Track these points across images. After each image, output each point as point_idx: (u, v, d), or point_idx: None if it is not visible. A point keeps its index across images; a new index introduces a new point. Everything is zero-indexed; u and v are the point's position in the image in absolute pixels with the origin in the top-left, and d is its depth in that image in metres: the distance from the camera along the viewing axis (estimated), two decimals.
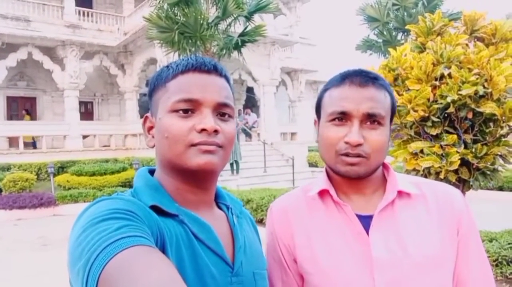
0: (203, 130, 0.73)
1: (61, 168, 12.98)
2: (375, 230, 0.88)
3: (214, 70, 0.78)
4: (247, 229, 0.89)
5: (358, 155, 0.87)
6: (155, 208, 0.72)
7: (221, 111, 0.77)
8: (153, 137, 0.80)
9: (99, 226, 0.61)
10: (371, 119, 0.88)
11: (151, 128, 0.81)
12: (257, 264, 0.84)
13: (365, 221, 0.90)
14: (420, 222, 0.89)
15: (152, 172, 0.83)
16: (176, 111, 0.74)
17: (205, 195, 0.81)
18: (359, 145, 0.86)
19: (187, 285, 0.65)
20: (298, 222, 0.96)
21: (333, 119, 0.90)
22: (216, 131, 0.74)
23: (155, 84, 0.80)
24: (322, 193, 0.96)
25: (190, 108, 0.74)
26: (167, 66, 0.80)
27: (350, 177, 0.90)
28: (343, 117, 0.89)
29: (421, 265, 0.85)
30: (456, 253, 0.89)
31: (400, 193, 0.91)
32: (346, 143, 0.87)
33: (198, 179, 0.77)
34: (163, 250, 0.66)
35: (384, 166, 0.98)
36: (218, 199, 0.87)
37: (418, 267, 0.85)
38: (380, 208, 0.89)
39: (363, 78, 0.90)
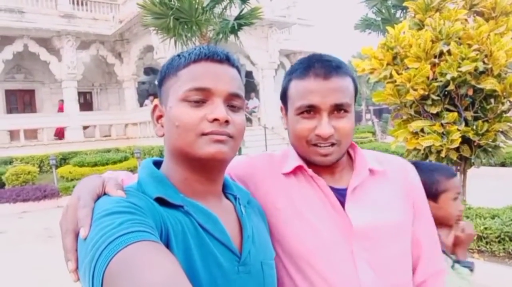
0: (215, 120, 0.73)
1: (63, 159, 13.02)
2: (350, 203, 0.94)
3: (226, 60, 0.79)
4: (255, 219, 0.89)
5: (330, 144, 0.92)
6: (160, 200, 0.72)
7: (232, 101, 0.77)
8: (162, 126, 0.80)
9: (103, 221, 0.61)
10: (338, 109, 0.92)
11: (160, 117, 0.81)
12: (265, 254, 0.85)
13: (338, 193, 0.96)
14: (385, 194, 0.98)
15: (157, 163, 0.84)
16: (188, 100, 0.74)
17: (213, 186, 0.81)
18: (330, 135, 0.91)
19: (195, 273, 0.67)
20: (277, 185, 1.00)
21: (302, 112, 0.94)
22: (227, 122, 0.74)
23: (165, 73, 0.80)
24: (295, 170, 1.00)
25: (201, 97, 0.75)
26: (179, 55, 0.80)
27: (324, 165, 0.95)
28: (311, 109, 0.92)
29: (390, 233, 0.95)
30: (413, 219, 1.01)
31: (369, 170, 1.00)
32: (317, 135, 0.92)
33: (208, 168, 0.77)
34: (167, 242, 0.67)
35: (350, 144, 1.03)
36: (226, 190, 0.87)
37: (389, 234, 0.94)
38: (355, 185, 0.96)
39: (326, 69, 0.92)
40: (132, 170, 11.97)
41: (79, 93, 15.92)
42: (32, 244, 6.47)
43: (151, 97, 17.54)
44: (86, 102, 18.05)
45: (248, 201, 0.91)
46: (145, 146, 13.76)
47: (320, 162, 0.94)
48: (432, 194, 1.40)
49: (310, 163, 0.98)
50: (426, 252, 1.03)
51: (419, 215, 1.02)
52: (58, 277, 4.64)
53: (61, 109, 16.17)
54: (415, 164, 1.46)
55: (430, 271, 1.03)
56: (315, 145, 0.93)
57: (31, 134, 14.89)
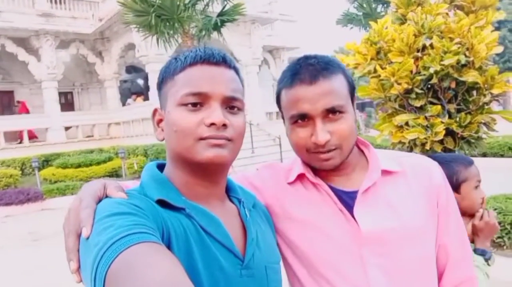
0: (212, 124, 0.73)
1: (46, 161, 12.79)
2: (360, 207, 0.90)
3: (223, 62, 0.78)
4: (261, 222, 0.89)
5: (329, 150, 0.88)
6: (162, 202, 0.72)
7: (230, 104, 0.77)
8: (162, 130, 0.80)
9: (105, 222, 0.62)
10: (331, 112, 0.87)
11: (160, 121, 0.81)
12: (270, 258, 0.84)
13: (348, 196, 0.92)
14: (402, 196, 0.92)
15: (161, 166, 0.84)
16: (185, 104, 0.74)
17: (215, 188, 0.81)
18: (327, 141, 0.87)
19: (197, 276, 0.67)
20: (285, 192, 0.98)
21: (295, 121, 0.90)
22: (225, 125, 0.73)
23: (163, 77, 0.80)
24: (300, 177, 0.97)
25: (198, 101, 0.74)
26: (175, 58, 0.79)
27: (327, 170, 0.92)
28: (304, 117, 0.89)
29: (407, 237, 0.88)
30: (437, 222, 0.94)
31: (383, 171, 0.94)
32: (314, 143, 0.88)
33: (208, 172, 0.77)
34: (168, 244, 0.67)
35: (362, 143, 1.01)
36: (230, 193, 0.87)
37: (405, 239, 0.88)
38: (365, 187, 0.91)
39: (311, 73, 0.87)
40: (117, 170, 11.84)
41: (60, 93, 15.63)
42: (17, 248, 6.35)
43: (133, 96, 17.34)
44: (67, 102, 17.72)
45: (254, 205, 0.90)
46: (129, 145, 13.60)
47: (322, 167, 0.91)
48: (453, 185, 1.36)
49: (317, 169, 0.95)
50: (454, 258, 0.96)
51: (446, 218, 0.95)
52: (44, 281, 4.57)
53: (22, 111, 15.75)
54: (432, 157, 1.44)
55: (458, 278, 0.97)
56: (315, 153, 0.89)
57: (11, 136, 14.56)
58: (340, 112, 0.88)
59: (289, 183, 0.98)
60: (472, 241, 1.42)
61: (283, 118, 0.99)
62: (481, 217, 1.41)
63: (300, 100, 0.88)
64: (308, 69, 0.88)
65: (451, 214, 0.96)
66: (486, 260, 1.35)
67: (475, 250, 1.37)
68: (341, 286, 0.88)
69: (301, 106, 0.87)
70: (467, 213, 1.42)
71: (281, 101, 0.95)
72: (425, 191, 0.93)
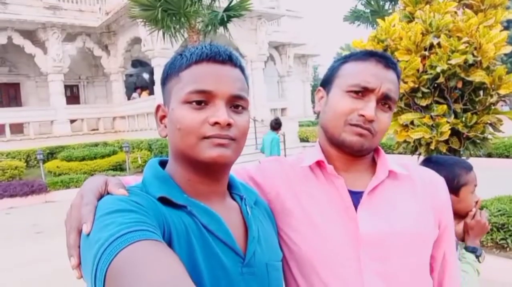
0: (216, 123, 0.72)
1: (50, 154, 12.85)
2: (364, 207, 0.90)
3: (229, 60, 0.77)
4: (262, 220, 0.89)
5: (368, 130, 0.90)
6: (163, 200, 0.72)
7: (234, 103, 0.76)
8: (165, 126, 0.80)
9: (105, 219, 0.62)
10: (385, 100, 0.92)
11: (163, 117, 0.81)
12: (271, 255, 0.84)
13: (354, 197, 0.92)
14: (406, 201, 0.93)
15: (163, 162, 0.84)
16: (189, 102, 0.73)
17: (217, 186, 0.81)
18: (371, 121, 0.89)
19: (198, 274, 0.67)
20: (287, 188, 0.97)
21: (352, 91, 0.92)
22: (229, 124, 0.73)
23: (167, 73, 0.79)
24: (314, 166, 0.97)
25: (203, 99, 0.73)
26: (181, 54, 0.79)
27: (353, 148, 0.91)
28: (362, 91, 0.91)
29: (407, 243, 0.88)
30: (443, 235, 0.97)
31: (389, 173, 0.95)
32: (361, 115, 0.89)
33: (210, 171, 0.77)
34: (169, 242, 0.67)
35: (375, 149, 1.02)
36: (232, 190, 0.87)
37: (404, 245, 0.88)
38: (372, 186, 0.91)
39: (388, 60, 0.93)
40: (121, 164, 11.89)
41: (66, 86, 15.69)
42: (20, 240, 6.40)
43: (138, 90, 17.38)
44: (72, 96, 17.78)
45: (255, 202, 0.89)
46: (133, 139, 13.64)
47: (350, 142, 0.90)
48: (454, 188, 1.42)
49: (333, 160, 0.96)
50: (451, 264, 1.03)
51: (450, 232, 1.01)
52: (46, 272, 4.60)
53: None
54: (434, 158, 1.51)
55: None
56: (353, 125, 0.90)
57: (17, 128, 14.64)
58: (390, 107, 0.93)
59: (298, 174, 0.98)
60: (462, 240, 1.49)
61: (325, 91, 0.99)
62: (473, 216, 1.48)
63: (370, 75, 0.91)
64: (386, 56, 0.94)
65: (451, 229, 1.02)
66: (477, 257, 1.43)
67: (467, 248, 1.45)
68: (334, 286, 0.87)
69: (370, 80, 0.90)
70: (460, 215, 1.49)
71: (339, 71, 0.97)
72: (431, 201, 0.95)
